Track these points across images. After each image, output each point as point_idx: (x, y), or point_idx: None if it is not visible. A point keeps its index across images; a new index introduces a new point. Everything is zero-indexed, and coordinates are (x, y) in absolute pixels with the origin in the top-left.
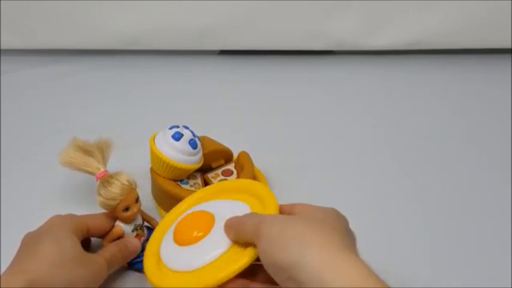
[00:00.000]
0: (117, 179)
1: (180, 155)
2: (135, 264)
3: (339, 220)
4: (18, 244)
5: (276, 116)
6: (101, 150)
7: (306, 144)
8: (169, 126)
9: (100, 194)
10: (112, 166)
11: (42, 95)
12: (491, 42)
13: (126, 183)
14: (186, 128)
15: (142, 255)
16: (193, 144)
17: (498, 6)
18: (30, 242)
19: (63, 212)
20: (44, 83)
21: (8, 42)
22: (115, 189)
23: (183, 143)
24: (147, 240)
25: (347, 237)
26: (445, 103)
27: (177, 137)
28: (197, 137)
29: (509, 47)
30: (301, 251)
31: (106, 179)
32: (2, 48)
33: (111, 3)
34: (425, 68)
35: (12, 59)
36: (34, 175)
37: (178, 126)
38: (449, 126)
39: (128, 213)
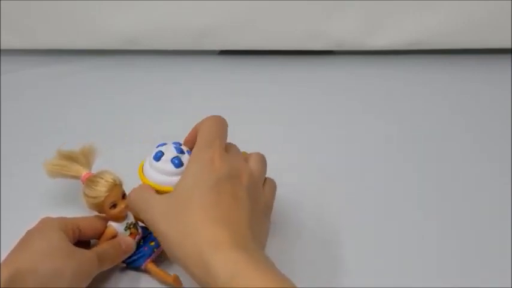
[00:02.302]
0: (101, 178)
1: (163, 177)
2: (132, 262)
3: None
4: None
5: (276, 116)
6: (84, 155)
7: (306, 145)
8: (156, 145)
9: (86, 194)
10: (112, 166)
11: (42, 95)
12: (491, 42)
13: (110, 180)
14: (175, 143)
15: (138, 253)
16: (176, 162)
17: (498, 6)
18: (19, 241)
19: (63, 213)
20: (44, 83)
21: (8, 42)
22: (99, 187)
23: (165, 163)
24: (142, 238)
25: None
26: (445, 103)
27: (158, 156)
28: (188, 152)
29: (509, 47)
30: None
31: (90, 179)
32: (2, 48)
33: (111, 3)
34: (425, 68)
35: (12, 59)
36: (34, 175)
37: (165, 144)
38: (450, 126)
39: (116, 210)
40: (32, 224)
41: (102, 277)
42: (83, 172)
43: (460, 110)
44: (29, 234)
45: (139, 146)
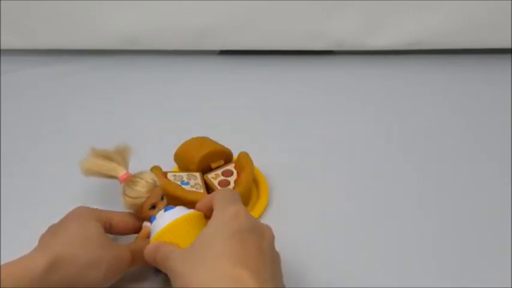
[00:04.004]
0: (141, 178)
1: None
2: None
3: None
4: (18, 245)
5: (276, 116)
6: (120, 154)
7: (306, 144)
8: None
9: (126, 195)
10: None
11: (42, 95)
12: (491, 42)
13: (151, 180)
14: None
15: None
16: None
17: (498, 6)
18: (54, 227)
19: (63, 212)
20: (44, 83)
21: (8, 42)
22: (140, 187)
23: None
24: None
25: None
26: (445, 103)
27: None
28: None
29: (509, 47)
30: None
31: (130, 180)
32: (2, 48)
33: (111, 3)
34: (425, 68)
35: (12, 59)
36: (34, 175)
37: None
38: (449, 126)
39: (155, 211)
40: (32, 224)
41: None
42: (121, 172)
43: (460, 110)
44: (65, 220)
45: (139, 146)
